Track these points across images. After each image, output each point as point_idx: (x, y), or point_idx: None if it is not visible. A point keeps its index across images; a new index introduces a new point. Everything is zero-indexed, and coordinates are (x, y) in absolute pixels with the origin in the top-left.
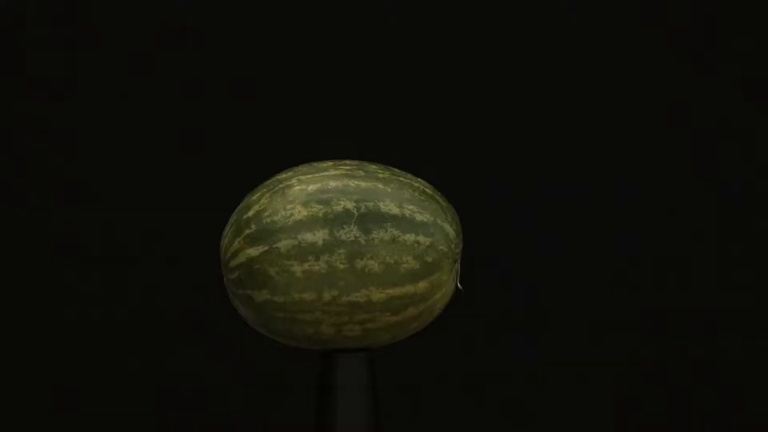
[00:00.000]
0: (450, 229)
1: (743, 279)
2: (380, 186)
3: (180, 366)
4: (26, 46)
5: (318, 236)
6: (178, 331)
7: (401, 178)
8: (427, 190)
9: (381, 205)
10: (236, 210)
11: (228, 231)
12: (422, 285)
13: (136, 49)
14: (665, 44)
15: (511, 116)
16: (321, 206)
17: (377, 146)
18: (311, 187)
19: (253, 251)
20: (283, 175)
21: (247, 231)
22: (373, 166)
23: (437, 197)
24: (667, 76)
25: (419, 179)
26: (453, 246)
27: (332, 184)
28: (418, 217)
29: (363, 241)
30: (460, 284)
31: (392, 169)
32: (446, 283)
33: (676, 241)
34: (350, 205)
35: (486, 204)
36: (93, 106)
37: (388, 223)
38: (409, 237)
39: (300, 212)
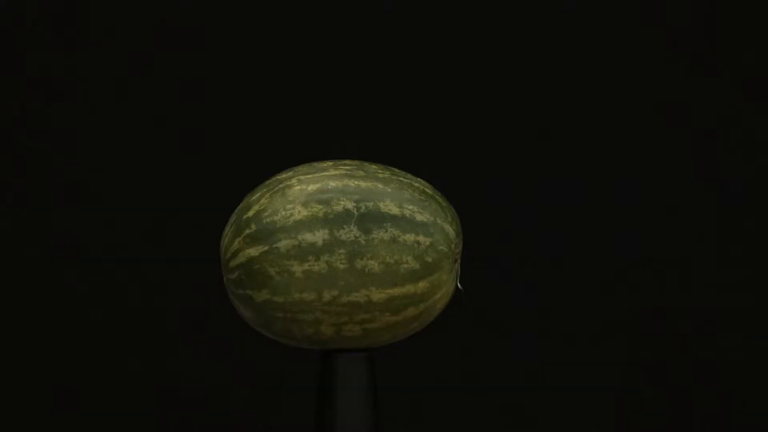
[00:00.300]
0: (450, 229)
1: (743, 279)
2: (380, 186)
3: (180, 366)
4: (26, 46)
5: (318, 236)
6: (178, 331)
7: (401, 178)
8: (427, 190)
9: (381, 205)
10: (236, 210)
11: (228, 231)
12: (422, 285)
13: (136, 49)
14: (665, 44)
15: (511, 116)
16: (321, 206)
17: (377, 146)
18: (311, 187)
19: (253, 251)
20: (283, 175)
21: (247, 231)
22: (373, 166)
23: (437, 197)
24: (668, 76)
25: (419, 179)
26: (453, 246)
27: (332, 184)
28: (418, 217)
29: (363, 241)
30: (460, 284)
31: (392, 169)
32: (446, 283)
33: (676, 241)
34: (350, 205)
35: (486, 204)
36: (93, 106)
37: (388, 223)
38: (409, 237)
39: (300, 212)
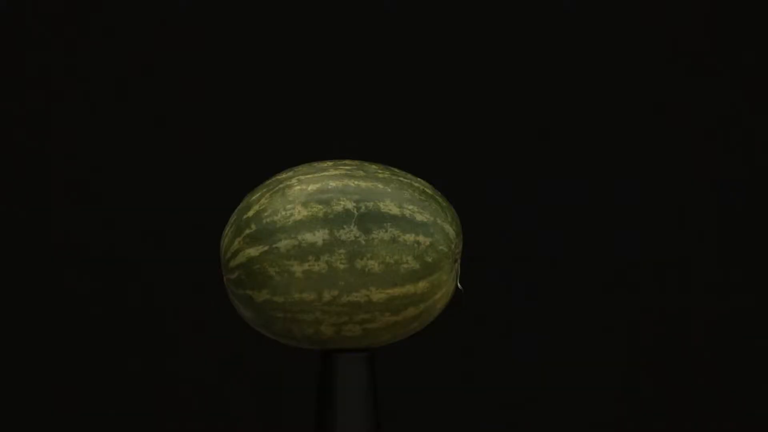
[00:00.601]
0: (450, 229)
1: (743, 279)
2: (380, 186)
3: (180, 366)
4: (26, 46)
5: (318, 236)
6: (178, 331)
7: (401, 178)
8: (427, 190)
9: (381, 205)
10: (236, 210)
11: (228, 231)
12: (422, 285)
13: (136, 49)
14: (665, 44)
15: (511, 116)
16: (321, 206)
17: (377, 146)
18: (311, 187)
19: (253, 251)
20: (283, 175)
21: (247, 231)
22: (373, 166)
23: (437, 197)
24: (668, 76)
25: (419, 179)
26: (453, 246)
27: (332, 184)
28: (418, 217)
29: (363, 241)
30: (460, 284)
31: (392, 169)
32: (446, 283)
33: (676, 241)
34: (350, 205)
35: (486, 204)
36: (93, 106)
37: (388, 223)
38: (409, 237)
39: (300, 212)
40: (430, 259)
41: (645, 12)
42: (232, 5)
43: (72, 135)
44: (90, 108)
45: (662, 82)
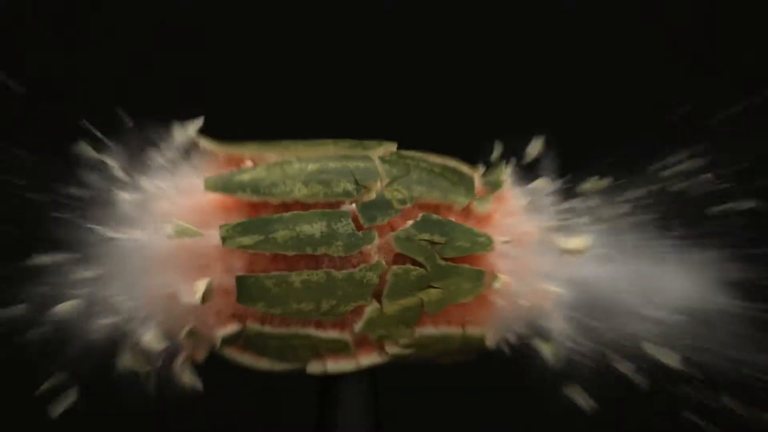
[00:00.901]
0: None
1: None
2: (386, 167)
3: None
4: (26, 46)
5: (316, 228)
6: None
7: (408, 161)
8: (435, 169)
9: (385, 190)
10: None
11: None
12: None
13: (136, 49)
14: (665, 44)
15: (511, 116)
16: (321, 187)
17: None
18: (311, 167)
19: (248, 240)
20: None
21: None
22: (374, 143)
23: (447, 174)
24: (668, 76)
25: (429, 156)
26: None
27: (332, 164)
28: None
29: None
30: None
31: (398, 151)
32: None
33: None
34: (350, 187)
35: None
36: (93, 106)
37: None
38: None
39: (300, 190)
40: None
41: (645, 12)
42: (232, 5)
43: (72, 135)
44: (90, 108)
45: (662, 82)
